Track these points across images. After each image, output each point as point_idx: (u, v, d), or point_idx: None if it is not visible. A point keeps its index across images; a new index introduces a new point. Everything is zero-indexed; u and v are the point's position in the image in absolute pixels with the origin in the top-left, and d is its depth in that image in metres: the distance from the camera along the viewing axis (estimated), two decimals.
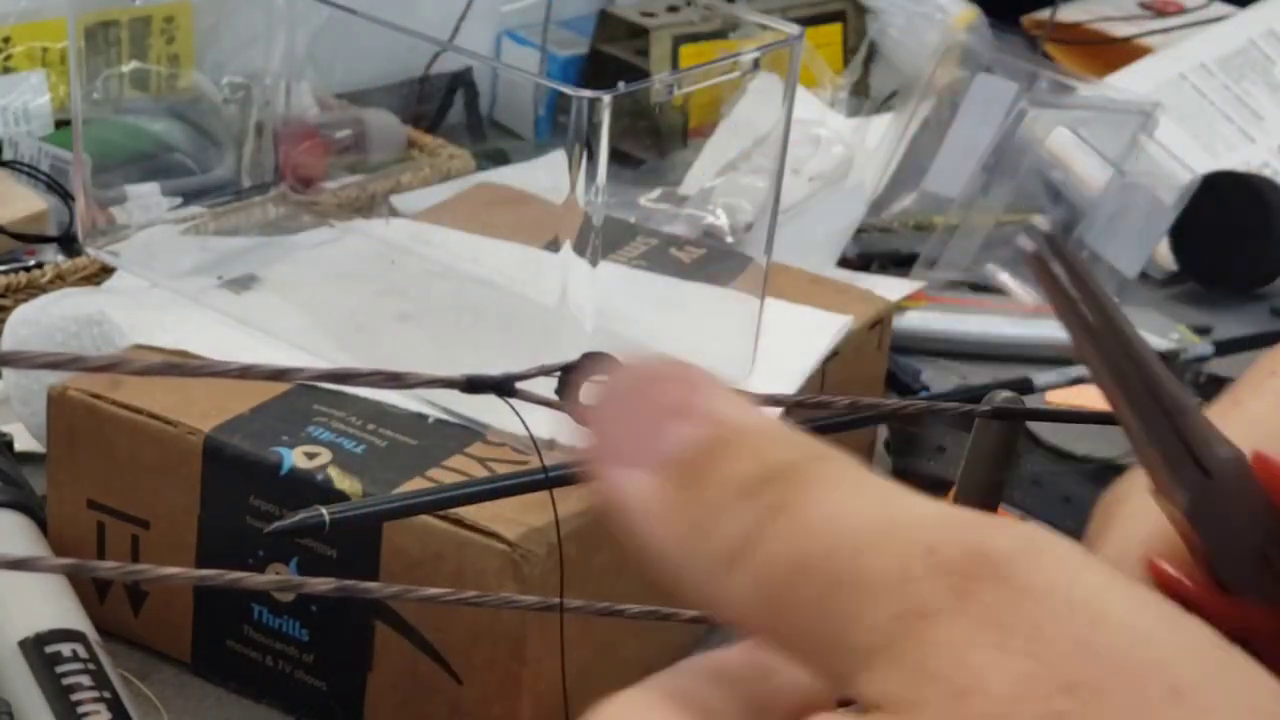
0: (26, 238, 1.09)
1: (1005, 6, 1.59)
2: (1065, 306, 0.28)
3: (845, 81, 1.52)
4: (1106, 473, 1.08)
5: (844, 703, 0.27)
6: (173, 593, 0.84)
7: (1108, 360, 0.28)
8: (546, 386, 0.49)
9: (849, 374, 0.99)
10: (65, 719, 0.72)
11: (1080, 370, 1.18)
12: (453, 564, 0.76)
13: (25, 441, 0.95)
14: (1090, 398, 1.18)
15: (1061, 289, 0.27)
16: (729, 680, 0.29)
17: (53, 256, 1.08)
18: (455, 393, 0.45)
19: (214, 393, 0.83)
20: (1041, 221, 0.28)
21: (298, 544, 0.79)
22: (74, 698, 0.73)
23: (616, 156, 0.80)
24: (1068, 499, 0.99)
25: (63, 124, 1.18)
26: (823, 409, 0.56)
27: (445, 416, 0.84)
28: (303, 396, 0.84)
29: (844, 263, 1.30)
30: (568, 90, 0.78)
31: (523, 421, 0.59)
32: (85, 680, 0.74)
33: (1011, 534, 0.26)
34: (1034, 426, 1.11)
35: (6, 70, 1.19)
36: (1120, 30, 1.69)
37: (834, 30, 1.59)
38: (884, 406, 0.90)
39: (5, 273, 1.05)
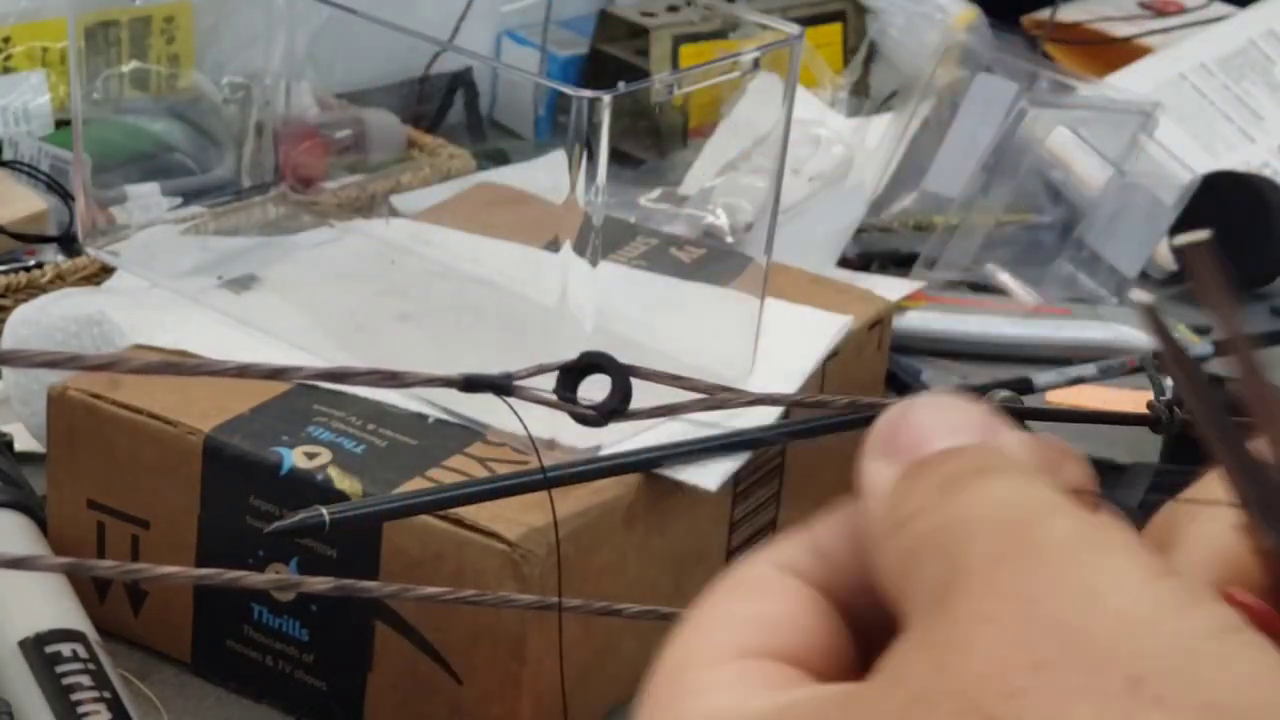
0: (26, 238, 1.09)
1: (1005, 6, 1.59)
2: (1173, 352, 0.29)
3: (845, 81, 1.52)
4: (1106, 472, 1.08)
5: None
6: (173, 592, 0.84)
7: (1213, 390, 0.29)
8: (546, 386, 0.49)
9: (849, 374, 0.99)
10: (65, 719, 0.72)
11: (1080, 370, 1.18)
12: (453, 564, 0.76)
13: (25, 441, 0.95)
14: (1090, 398, 1.18)
15: (1172, 343, 0.28)
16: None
17: (53, 256, 1.08)
18: (455, 392, 0.45)
19: (214, 393, 0.83)
20: (1199, 235, 0.28)
21: (298, 544, 0.79)
22: (74, 698, 0.73)
23: (616, 156, 0.80)
24: None
25: (63, 124, 1.18)
26: (823, 409, 0.56)
27: (445, 416, 0.84)
28: (303, 396, 0.84)
29: (844, 263, 1.30)
30: (568, 90, 0.78)
31: (521, 421, 0.59)
32: (85, 680, 0.74)
33: (1078, 518, 0.27)
34: (1034, 426, 1.11)
35: (6, 70, 1.19)
36: (1120, 30, 1.69)
37: (834, 30, 1.59)
38: (885, 406, 0.90)
39: (5, 273, 1.05)
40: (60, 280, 1.04)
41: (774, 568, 0.30)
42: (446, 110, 1.39)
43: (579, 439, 0.79)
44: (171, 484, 0.82)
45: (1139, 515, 1.01)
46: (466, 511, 0.76)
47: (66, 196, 1.11)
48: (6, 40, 1.19)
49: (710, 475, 0.84)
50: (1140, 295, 0.29)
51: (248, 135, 1.05)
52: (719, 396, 0.52)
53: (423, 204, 1.10)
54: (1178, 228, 1.38)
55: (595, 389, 0.49)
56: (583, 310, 0.81)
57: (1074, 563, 0.26)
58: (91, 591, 0.85)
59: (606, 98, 0.76)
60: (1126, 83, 1.51)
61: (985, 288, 1.33)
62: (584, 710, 0.82)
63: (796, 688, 0.28)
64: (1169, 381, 0.68)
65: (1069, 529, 0.27)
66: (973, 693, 0.24)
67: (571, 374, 0.47)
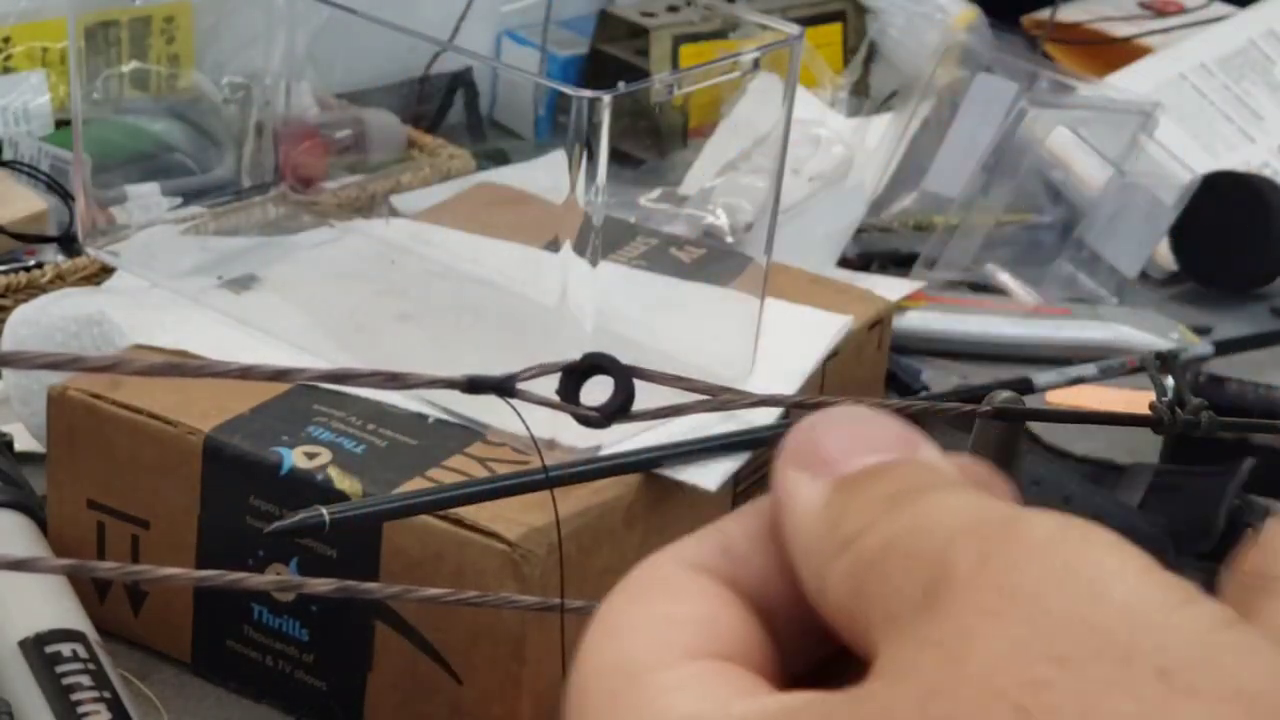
0: (26, 238, 1.09)
1: (1005, 6, 1.59)
2: None
3: (845, 81, 1.52)
4: (1106, 473, 1.08)
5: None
6: (173, 593, 0.84)
7: None
8: (547, 386, 0.49)
9: (849, 374, 0.99)
10: (65, 719, 0.72)
11: (1080, 370, 1.18)
12: (453, 564, 0.76)
13: (25, 441, 0.95)
14: (1090, 398, 1.18)
15: None
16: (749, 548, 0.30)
17: (53, 256, 1.08)
18: (455, 393, 0.45)
19: (214, 393, 0.83)
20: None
21: (298, 544, 0.79)
22: (74, 698, 0.73)
23: (616, 156, 0.80)
24: (1068, 499, 0.99)
25: (63, 124, 1.18)
26: (823, 408, 0.56)
27: (445, 416, 0.84)
28: (303, 396, 0.84)
29: (844, 263, 1.30)
30: (568, 90, 0.78)
31: (523, 421, 0.59)
32: (85, 680, 0.74)
33: (1053, 517, 0.27)
34: (1034, 426, 1.11)
35: (6, 70, 1.19)
36: (1120, 30, 1.69)
37: (834, 30, 1.59)
38: (884, 406, 0.90)
39: (5, 273, 1.05)
40: (60, 280, 1.04)
41: (686, 567, 0.29)
42: (446, 110, 1.39)
43: (579, 439, 0.79)
44: (171, 484, 0.82)
45: (1139, 515, 1.01)
46: (466, 511, 0.76)
47: (66, 196, 1.11)
48: (6, 40, 1.19)
49: (710, 475, 0.84)
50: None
51: (248, 135, 1.05)
52: (721, 398, 0.52)
53: (423, 204, 1.10)
54: (1178, 228, 1.38)
55: (597, 389, 0.49)
56: (583, 310, 0.81)
57: (1066, 557, 0.26)
58: (91, 591, 0.85)
59: (606, 98, 0.76)
60: (1126, 83, 1.51)
61: (985, 288, 1.33)
62: None
63: (765, 693, 0.27)
64: (1169, 381, 0.68)
65: (1051, 525, 0.27)
66: (995, 681, 0.24)
67: (574, 375, 0.47)
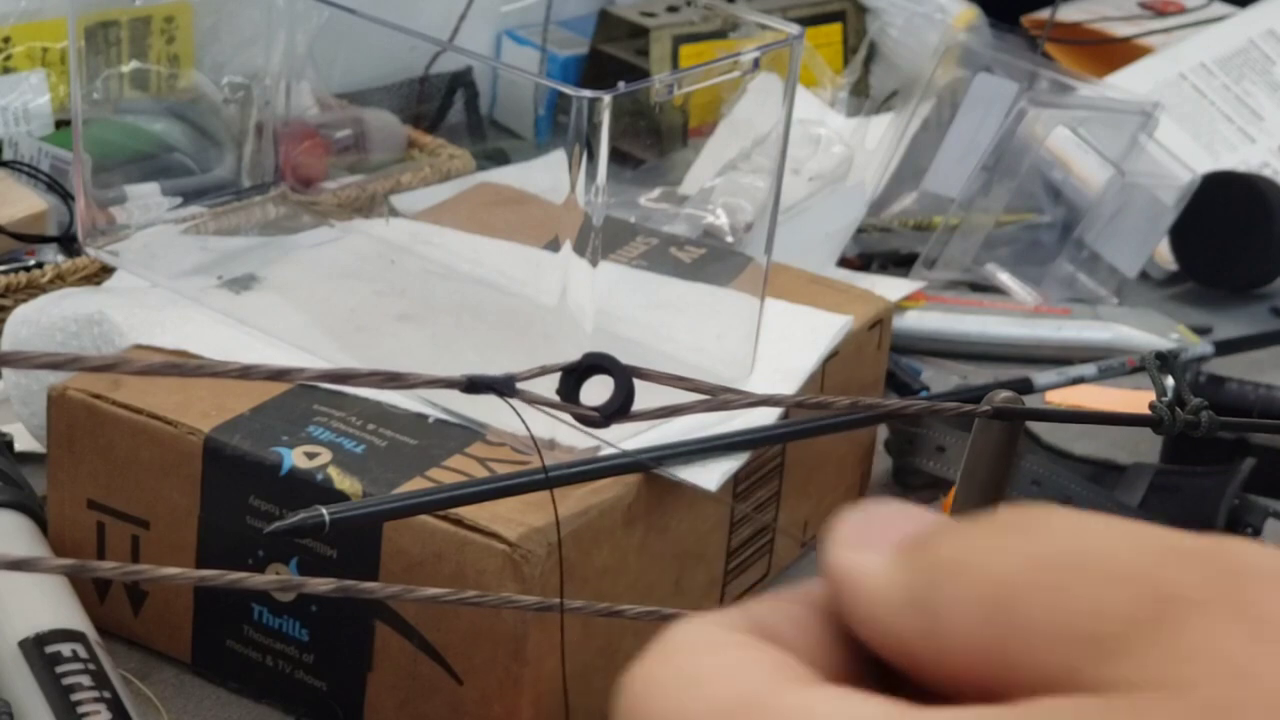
0: (26, 238, 1.09)
1: (1005, 6, 1.59)
2: None
3: (845, 81, 1.52)
4: (1106, 473, 1.08)
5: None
6: (173, 593, 0.84)
7: None
8: (546, 386, 0.49)
9: (849, 374, 0.99)
10: (65, 719, 0.72)
11: (1080, 370, 1.18)
12: (453, 564, 0.76)
13: (25, 441, 0.95)
14: (1090, 398, 1.18)
15: None
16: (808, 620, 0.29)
17: (53, 256, 1.08)
18: (455, 392, 0.45)
19: (214, 393, 0.83)
20: None
21: (298, 544, 0.79)
22: (74, 698, 0.73)
23: (616, 156, 0.80)
24: (1068, 499, 0.99)
25: (63, 124, 1.18)
26: (823, 409, 0.56)
27: (445, 416, 0.84)
28: (303, 396, 0.84)
29: (844, 263, 1.30)
30: (568, 90, 0.78)
31: (523, 422, 0.59)
32: (85, 680, 0.74)
33: (1244, 543, 0.27)
34: (1034, 426, 1.11)
35: (6, 70, 1.19)
36: (1120, 30, 1.69)
37: (834, 30, 1.59)
38: (884, 406, 0.90)
39: (5, 273, 1.05)
40: (60, 280, 1.04)
41: (726, 628, 0.29)
42: (446, 110, 1.39)
43: (579, 439, 0.79)
44: (171, 484, 0.82)
45: (1139, 515, 1.01)
46: (466, 511, 0.76)
47: (66, 196, 1.11)
48: (6, 40, 1.19)
49: (710, 475, 0.84)
50: None
51: (248, 135, 1.05)
52: (722, 398, 0.52)
53: (423, 204, 1.10)
54: (1178, 228, 1.38)
55: (597, 389, 0.49)
56: (583, 310, 0.81)
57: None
58: (91, 591, 0.85)
59: (606, 98, 0.76)
60: (1126, 83, 1.51)
61: (985, 288, 1.34)
62: (585, 710, 0.81)
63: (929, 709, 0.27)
64: (1169, 381, 0.68)
65: (1252, 547, 0.27)
66: None
67: (574, 375, 0.47)
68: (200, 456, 0.81)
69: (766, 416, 0.88)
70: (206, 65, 1.12)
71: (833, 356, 0.96)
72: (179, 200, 1.03)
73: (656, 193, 1.23)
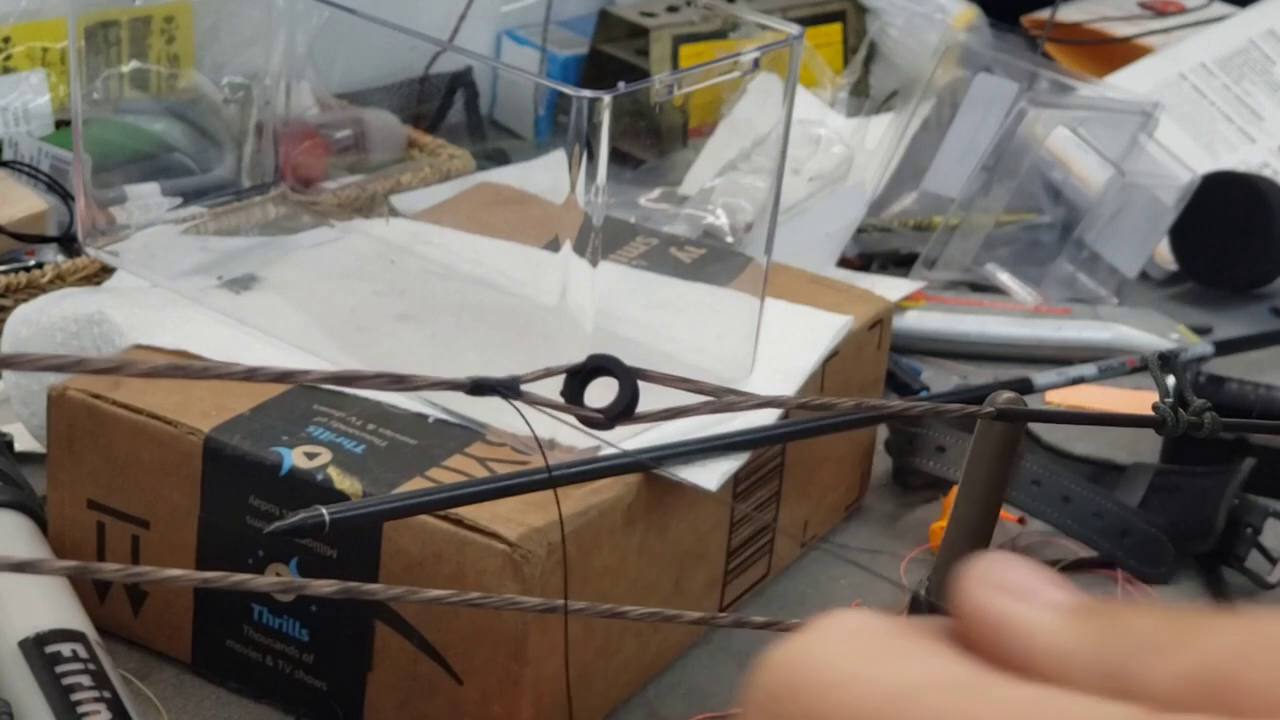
0: (26, 238, 1.09)
1: (1005, 6, 1.59)
2: None
3: (845, 81, 1.52)
4: (1106, 473, 1.08)
5: None
6: (173, 593, 0.84)
7: None
8: (547, 387, 0.49)
9: (849, 374, 0.99)
10: (65, 719, 0.72)
11: (1080, 370, 1.18)
12: (453, 564, 0.76)
13: (25, 441, 0.95)
14: (1090, 397, 1.18)
15: None
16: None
17: (53, 256, 1.08)
18: (456, 393, 0.45)
19: (214, 393, 0.83)
20: None
21: (298, 544, 0.79)
22: (74, 698, 0.73)
23: (616, 156, 0.80)
24: (1067, 499, 0.99)
25: (63, 124, 1.18)
26: (826, 409, 0.56)
27: (445, 416, 0.84)
28: (303, 396, 0.84)
29: (844, 263, 1.30)
30: (568, 90, 0.78)
31: (527, 422, 0.59)
32: (85, 680, 0.74)
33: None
34: (1034, 426, 1.11)
35: (6, 70, 1.19)
36: (1120, 30, 1.69)
37: (834, 30, 1.59)
38: (887, 407, 0.90)
39: (5, 273, 1.05)
40: (60, 280, 1.04)
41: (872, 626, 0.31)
42: (446, 110, 1.39)
43: (579, 439, 0.79)
44: (171, 484, 0.82)
45: (1139, 515, 1.01)
46: (467, 511, 0.76)
47: (66, 196, 1.11)
48: (6, 40, 1.19)
49: (710, 475, 0.84)
50: None
51: (248, 135, 1.05)
52: (725, 399, 0.52)
53: (423, 204, 1.10)
54: (1178, 228, 1.38)
55: (598, 389, 0.49)
56: (583, 310, 0.81)
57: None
58: (91, 592, 0.85)
59: (606, 98, 0.76)
60: (1126, 83, 1.51)
61: (985, 288, 1.34)
62: (585, 710, 0.81)
63: None
64: (1171, 381, 0.68)
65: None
66: None
67: (578, 377, 0.47)
68: (200, 456, 0.81)
69: (767, 417, 0.88)
70: (206, 65, 1.12)
71: (833, 356, 0.96)
72: (179, 200, 1.03)
73: (656, 193, 1.23)
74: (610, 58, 1.47)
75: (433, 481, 0.79)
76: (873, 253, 1.35)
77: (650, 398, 0.50)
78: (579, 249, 0.80)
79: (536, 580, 0.75)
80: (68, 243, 1.09)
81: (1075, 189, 1.38)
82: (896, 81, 1.52)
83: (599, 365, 0.47)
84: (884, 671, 0.28)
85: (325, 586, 0.46)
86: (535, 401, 0.46)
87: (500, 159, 1.30)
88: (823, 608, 0.99)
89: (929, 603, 0.64)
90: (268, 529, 0.69)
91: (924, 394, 1.17)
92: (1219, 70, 1.56)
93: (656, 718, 0.86)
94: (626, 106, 0.81)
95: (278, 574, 0.80)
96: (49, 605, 0.79)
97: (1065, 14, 1.66)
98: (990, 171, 1.33)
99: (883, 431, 1.07)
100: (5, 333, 0.94)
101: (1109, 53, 1.64)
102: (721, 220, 1.18)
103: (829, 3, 1.59)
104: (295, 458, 0.79)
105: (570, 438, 0.79)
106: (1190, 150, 1.47)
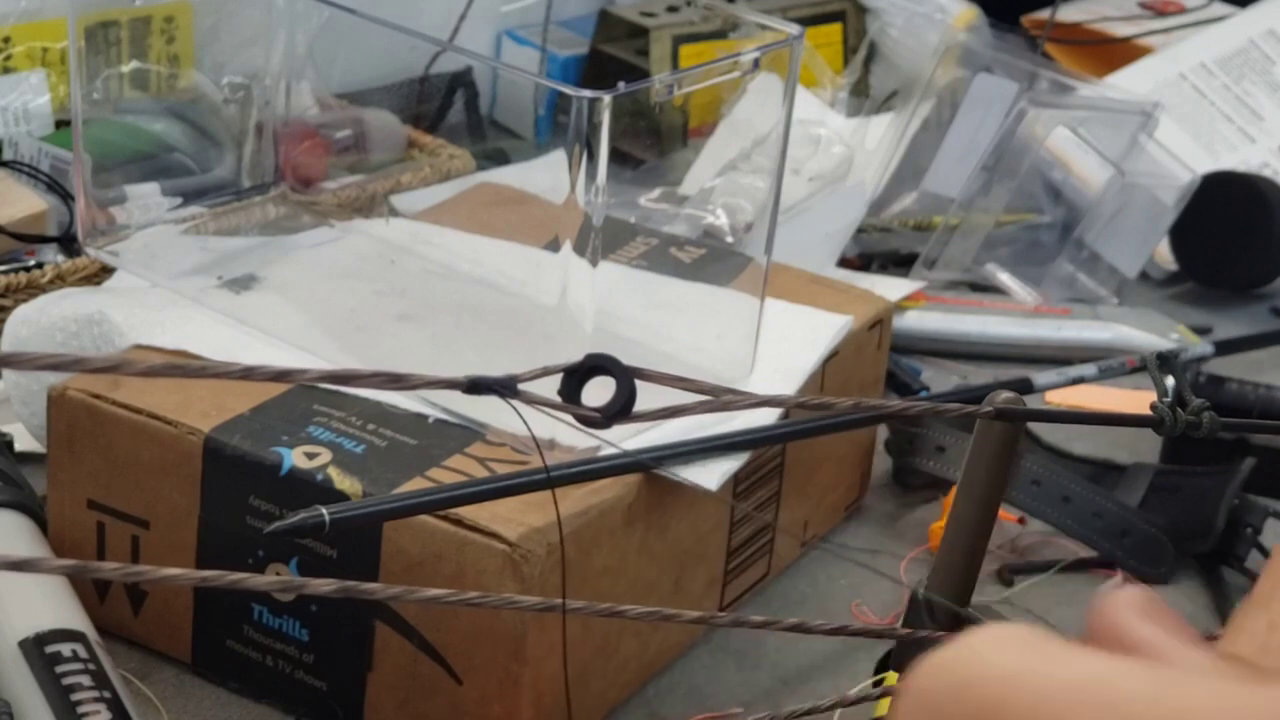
0: (26, 238, 1.09)
1: (1005, 6, 1.59)
2: None
3: (845, 81, 1.52)
4: (1106, 473, 1.08)
5: None
6: (173, 593, 0.84)
7: None
8: (547, 386, 0.49)
9: (849, 374, 0.99)
10: (65, 719, 0.72)
11: (1080, 370, 1.18)
12: (453, 564, 0.76)
13: (25, 441, 0.95)
14: (1090, 397, 1.18)
15: None
16: None
17: (53, 256, 1.08)
18: (455, 393, 0.45)
19: (214, 393, 0.83)
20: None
21: (298, 544, 0.79)
22: (74, 698, 0.73)
23: (616, 156, 0.80)
24: (1067, 499, 0.99)
25: (63, 124, 1.18)
26: (826, 409, 0.56)
27: (445, 416, 0.84)
28: (303, 396, 0.84)
29: (844, 263, 1.30)
30: (568, 90, 0.78)
31: (525, 422, 0.59)
32: (85, 680, 0.74)
33: None
34: (1034, 426, 1.11)
35: (6, 70, 1.19)
36: (1120, 30, 1.69)
37: (834, 30, 1.59)
38: (887, 407, 0.90)
39: (5, 273, 1.05)
40: (60, 280, 1.04)
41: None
42: (446, 110, 1.39)
43: (579, 439, 0.79)
44: (171, 484, 0.82)
45: (1139, 515, 1.01)
46: (466, 511, 0.76)
47: (66, 196, 1.11)
48: (6, 40, 1.19)
49: (710, 475, 0.84)
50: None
51: (248, 135, 1.05)
52: (723, 398, 0.52)
53: (423, 204, 1.10)
54: (1178, 228, 1.38)
55: (598, 389, 0.49)
56: (583, 310, 0.81)
57: None
58: (91, 592, 0.85)
59: (606, 98, 0.76)
60: (1126, 83, 1.51)
61: (985, 288, 1.34)
62: (584, 710, 0.81)
63: None
64: (1170, 381, 0.68)
65: None
66: None
67: (576, 376, 0.47)
68: (200, 456, 0.81)
69: (767, 416, 0.88)
70: (206, 65, 1.12)
71: (833, 356, 0.96)
72: (179, 200, 1.03)
73: (656, 193, 1.23)
74: (610, 58, 1.47)
75: (433, 481, 0.79)
76: (873, 253, 1.35)
77: (649, 397, 0.50)
78: (579, 249, 0.80)
79: (536, 580, 0.75)
80: (68, 243, 1.09)
81: (1075, 189, 1.38)
82: (896, 81, 1.52)
83: (596, 364, 0.47)
84: (1057, 665, 0.31)
85: (325, 586, 0.46)
86: (532, 400, 0.46)
87: (500, 159, 1.30)
88: (822, 607, 1.00)
89: (928, 602, 0.64)
90: (268, 529, 0.69)
91: (924, 394, 1.17)
92: (1219, 70, 1.56)
93: (656, 718, 0.86)
94: (626, 106, 0.81)
95: (278, 574, 0.80)
96: (49, 605, 0.79)
97: (1065, 14, 1.66)
98: (990, 171, 1.33)
99: (883, 431, 1.07)
100: (5, 333, 0.94)
101: (1109, 53, 1.64)
102: (721, 220, 1.18)
103: (829, 3, 1.59)
104: (295, 458, 0.79)
105: (570, 438, 0.79)
106: (1190, 150, 1.47)
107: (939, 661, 0.32)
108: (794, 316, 0.97)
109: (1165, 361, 0.70)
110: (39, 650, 0.76)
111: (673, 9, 1.48)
